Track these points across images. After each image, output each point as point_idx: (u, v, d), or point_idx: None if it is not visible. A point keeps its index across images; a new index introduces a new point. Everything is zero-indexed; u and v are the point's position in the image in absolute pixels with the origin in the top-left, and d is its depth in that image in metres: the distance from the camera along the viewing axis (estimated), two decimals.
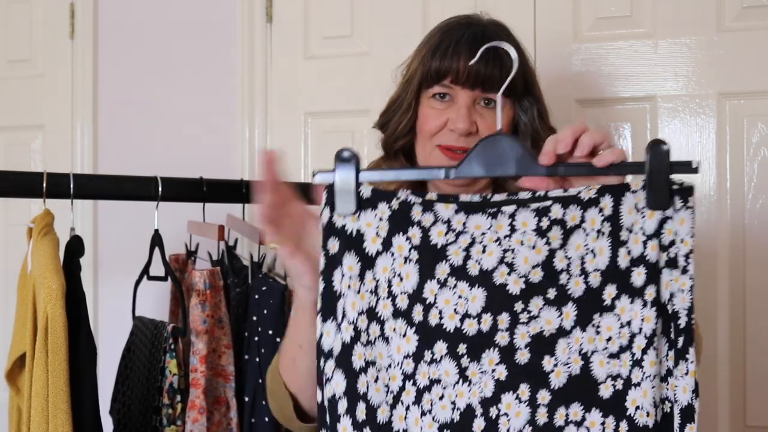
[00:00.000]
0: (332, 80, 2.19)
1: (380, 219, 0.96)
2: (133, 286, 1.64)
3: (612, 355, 0.93)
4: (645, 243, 0.93)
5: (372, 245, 0.96)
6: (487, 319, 0.94)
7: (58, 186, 1.48)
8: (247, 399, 1.57)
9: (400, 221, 0.96)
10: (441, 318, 0.95)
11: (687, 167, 0.93)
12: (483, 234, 0.95)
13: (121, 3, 2.38)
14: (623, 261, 0.93)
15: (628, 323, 0.93)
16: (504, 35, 1.32)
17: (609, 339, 0.93)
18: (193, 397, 1.51)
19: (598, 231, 0.94)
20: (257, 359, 1.56)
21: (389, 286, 0.96)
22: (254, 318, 1.58)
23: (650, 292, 0.92)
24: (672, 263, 0.92)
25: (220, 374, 1.58)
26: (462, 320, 0.94)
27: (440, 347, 0.95)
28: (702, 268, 1.87)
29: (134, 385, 1.62)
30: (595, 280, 0.93)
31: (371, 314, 0.96)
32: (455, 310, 0.95)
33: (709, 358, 1.86)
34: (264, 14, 2.24)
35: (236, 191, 1.74)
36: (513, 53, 1.08)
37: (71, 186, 1.48)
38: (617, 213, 0.93)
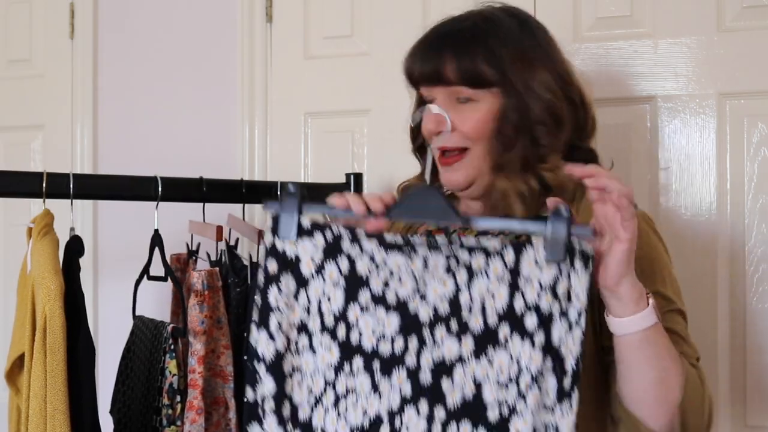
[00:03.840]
0: (332, 80, 2.19)
1: (316, 247, 1.10)
2: (134, 286, 1.64)
3: (500, 385, 1.07)
4: (539, 294, 1.06)
5: (307, 269, 1.09)
6: (399, 342, 1.08)
7: (58, 186, 1.48)
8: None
9: (332, 251, 1.10)
10: (360, 337, 1.09)
11: (585, 231, 1.06)
12: (400, 269, 1.09)
13: (121, 3, 2.38)
14: (518, 306, 1.07)
15: (517, 360, 1.06)
16: (472, 27, 1.28)
17: (500, 371, 1.07)
18: (191, 397, 1.51)
19: (499, 278, 1.08)
20: None
21: (319, 305, 1.10)
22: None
23: (540, 337, 1.06)
24: (564, 314, 1.06)
25: (219, 375, 1.58)
26: (378, 341, 1.09)
27: (358, 362, 1.09)
28: (702, 268, 1.87)
29: (134, 385, 1.62)
30: (492, 319, 1.08)
31: (302, 327, 1.10)
32: (373, 332, 1.09)
33: (709, 358, 1.86)
34: (264, 14, 2.24)
35: (236, 191, 1.74)
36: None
37: (71, 186, 1.49)
38: (518, 264, 1.07)
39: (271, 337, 1.08)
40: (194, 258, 1.76)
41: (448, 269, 1.08)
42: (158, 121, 2.34)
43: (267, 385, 1.08)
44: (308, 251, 1.09)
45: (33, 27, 2.47)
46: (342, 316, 1.09)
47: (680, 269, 1.87)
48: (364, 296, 1.09)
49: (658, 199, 1.91)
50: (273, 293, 1.09)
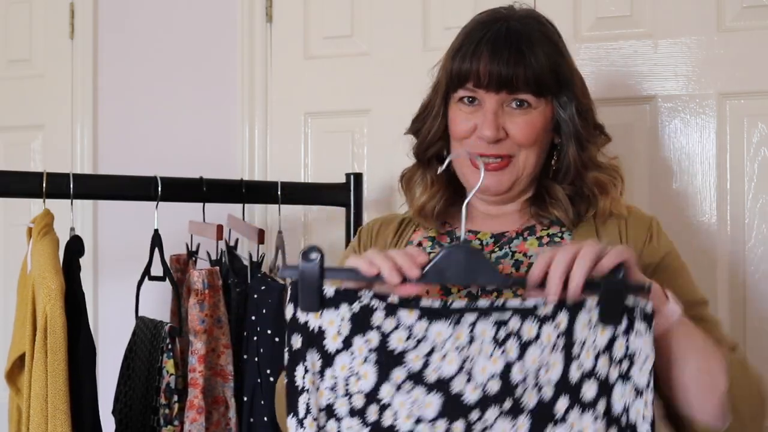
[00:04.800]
0: (332, 80, 2.19)
1: (342, 319, 0.98)
2: (136, 287, 1.64)
3: None
4: (596, 358, 0.96)
5: (332, 343, 0.98)
6: (441, 425, 0.97)
7: (58, 186, 1.48)
8: (245, 399, 1.57)
9: (360, 323, 0.98)
10: (395, 419, 0.97)
11: (640, 289, 0.98)
12: (444, 341, 0.98)
13: (121, 3, 2.38)
14: (575, 374, 0.96)
15: None
16: (535, 30, 1.25)
17: None
18: (191, 396, 1.51)
19: (553, 345, 0.97)
20: (256, 359, 1.56)
21: (347, 384, 0.98)
22: (253, 318, 1.58)
23: (601, 405, 0.96)
24: (627, 377, 0.96)
25: (219, 374, 1.58)
26: (416, 423, 0.97)
27: None
28: (702, 268, 1.87)
29: (135, 385, 1.62)
30: (548, 392, 0.97)
31: (329, 411, 0.98)
32: (410, 413, 0.97)
33: None
34: (264, 14, 2.24)
35: (236, 191, 1.74)
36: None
37: (71, 186, 1.49)
38: (571, 328, 0.97)
39: (301, 424, 0.97)
40: (194, 258, 1.76)
41: (497, 340, 0.97)
42: (158, 121, 2.34)
43: None
44: (334, 323, 0.98)
45: (33, 27, 2.48)
46: (373, 396, 0.97)
47: None
48: (397, 375, 0.97)
49: (658, 199, 1.91)
50: (300, 372, 0.98)
